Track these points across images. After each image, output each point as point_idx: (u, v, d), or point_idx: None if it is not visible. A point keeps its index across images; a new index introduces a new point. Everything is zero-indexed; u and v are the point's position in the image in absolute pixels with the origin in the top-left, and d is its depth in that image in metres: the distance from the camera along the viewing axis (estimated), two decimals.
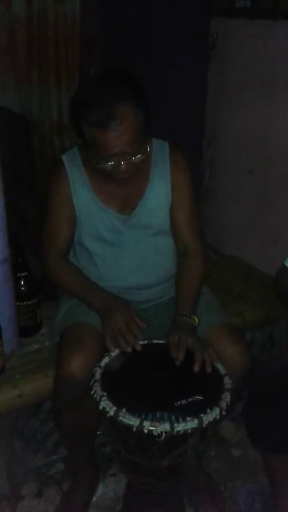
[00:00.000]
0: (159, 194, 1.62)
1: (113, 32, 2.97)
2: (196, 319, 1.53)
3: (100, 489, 1.79)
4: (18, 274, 1.68)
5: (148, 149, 1.56)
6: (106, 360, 1.43)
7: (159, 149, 1.63)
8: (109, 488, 1.81)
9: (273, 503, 1.66)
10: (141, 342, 1.46)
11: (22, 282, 1.70)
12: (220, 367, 1.42)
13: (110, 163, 1.43)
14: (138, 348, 1.43)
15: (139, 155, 1.45)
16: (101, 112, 1.37)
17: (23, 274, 1.69)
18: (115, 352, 1.46)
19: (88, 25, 3.14)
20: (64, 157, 1.62)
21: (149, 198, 1.61)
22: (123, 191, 1.60)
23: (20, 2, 2.88)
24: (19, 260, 1.69)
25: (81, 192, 1.60)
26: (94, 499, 1.75)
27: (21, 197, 2.29)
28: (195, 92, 2.49)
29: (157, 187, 1.61)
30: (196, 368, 1.37)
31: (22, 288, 1.70)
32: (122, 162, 1.43)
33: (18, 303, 1.69)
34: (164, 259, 1.69)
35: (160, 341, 1.50)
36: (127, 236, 1.62)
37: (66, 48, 3.09)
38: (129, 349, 1.42)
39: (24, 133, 2.35)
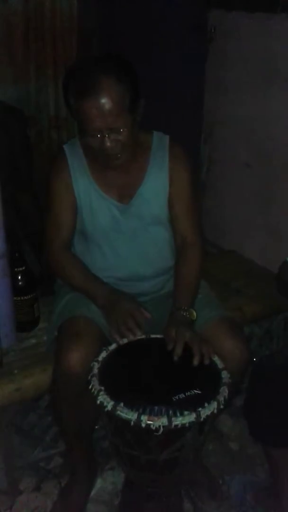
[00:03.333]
0: (156, 185, 1.62)
1: (110, 26, 2.96)
2: (194, 313, 1.53)
3: (98, 483, 1.79)
4: (16, 269, 1.68)
5: (147, 139, 1.60)
6: (103, 354, 1.43)
7: (159, 141, 1.64)
8: (107, 482, 1.81)
9: (272, 497, 1.67)
10: (138, 337, 1.47)
11: (20, 277, 1.69)
12: (217, 361, 1.42)
13: (94, 137, 1.44)
14: (139, 335, 1.45)
15: (124, 132, 1.45)
16: (84, 81, 1.41)
17: (21, 269, 1.69)
18: (112, 347, 1.46)
19: (86, 19, 3.12)
20: (65, 146, 1.65)
21: (146, 188, 1.62)
22: (121, 180, 1.61)
23: None
24: (17, 255, 1.69)
25: (81, 180, 1.61)
26: (92, 493, 1.75)
27: (18, 191, 2.29)
28: (193, 85, 2.48)
29: (155, 178, 1.62)
30: (194, 362, 1.37)
31: (20, 283, 1.70)
32: (105, 137, 1.44)
33: (15, 298, 1.69)
34: (161, 250, 1.69)
35: (158, 336, 1.50)
36: (124, 225, 1.63)
37: (63, 42, 3.07)
38: (131, 337, 1.43)
39: (21, 128, 2.34)
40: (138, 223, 1.63)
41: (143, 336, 1.49)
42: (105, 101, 1.39)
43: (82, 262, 1.65)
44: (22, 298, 1.71)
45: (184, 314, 1.52)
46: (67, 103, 1.48)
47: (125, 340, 1.47)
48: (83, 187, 1.61)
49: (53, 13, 2.98)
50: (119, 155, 1.50)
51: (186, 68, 2.44)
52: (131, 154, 1.54)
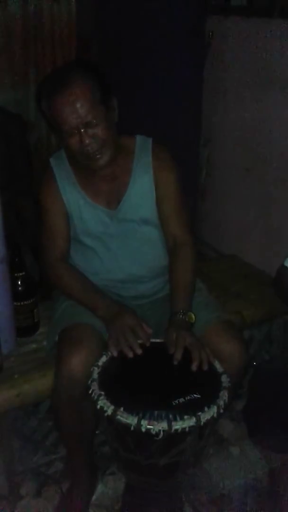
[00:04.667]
0: (142, 188, 1.63)
1: (109, 31, 2.97)
2: (193, 316, 1.54)
3: (99, 488, 1.79)
4: (15, 274, 1.68)
5: (130, 143, 1.64)
6: (103, 359, 1.43)
7: (142, 145, 1.66)
8: (108, 487, 1.81)
9: (272, 501, 1.66)
10: (138, 341, 1.47)
11: (19, 282, 1.69)
12: (217, 365, 1.43)
13: (72, 137, 1.47)
14: (139, 352, 1.43)
15: (100, 126, 1.48)
16: (52, 85, 1.48)
17: (20, 274, 1.69)
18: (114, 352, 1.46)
19: (84, 24, 3.14)
20: (51, 160, 1.68)
21: (132, 193, 1.63)
22: (108, 186, 1.63)
23: (16, 2, 2.88)
24: (16, 260, 1.69)
25: (69, 190, 1.64)
26: (93, 498, 1.75)
27: (18, 196, 2.29)
28: (191, 90, 2.49)
29: (140, 181, 1.63)
30: (194, 367, 1.37)
31: (19, 288, 1.70)
32: (82, 132, 1.46)
33: (15, 303, 1.69)
34: (155, 249, 1.70)
35: (157, 340, 1.50)
36: (115, 230, 1.64)
37: (62, 48, 3.09)
38: (130, 354, 1.42)
39: (21, 133, 2.34)
40: (128, 226, 1.65)
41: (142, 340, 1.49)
42: (74, 96, 1.44)
43: (80, 272, 1.66)
44: (22, 303, 1.71)
45: (183, 317, 1.52)
46: (42, 114, 1.53)
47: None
48: (72, 196, 1.64)
49: (52, 18, 3.00)
50: (99, 155, 1.52)
51: (184, 73, 2.45)
52: (113, 154, 1.55)
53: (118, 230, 1.64)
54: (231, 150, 2.40)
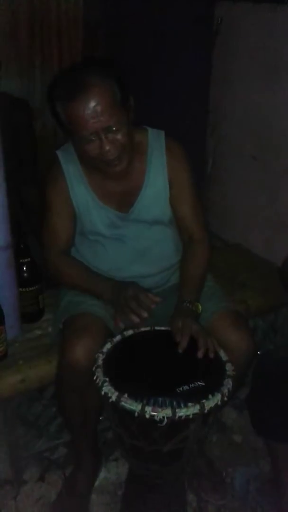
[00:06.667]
0: (156, 189, 1.60)
1: (116, 18, 2.95)
2: (200, 306, 1.53)
3: (102, 474, 1.80)
4: (21, 261, 1.68)
5: (142, 139, 1.56)
6: (108, 346, 1.43)
7: (155, 141, 1.61)
8: (111, 473, 1.82)
9: (275, 490, 1.67)
10: (143, 329, 1.47)
11: (25, 268, 1.70)
12: (222, 353, 1.42)
13: (91, 143, 1.40)
14: (144, 315, 1.39)
15: (121, 131, 1.41)
16: (68, 84, 1.38)
17: (26, 260, 1.70)
18: (117, 338, 1.46)
19: (91, 10, 3.12)
20: (59, 153, 1.60)
21: (146, 194, 1.60)
22: (120, 187, 1.58)
23: None
24: (22, 246, 1.69)
25: (78, 189, 1.58)
26: (96, 483, 1.76)
27: (23, 183, 2.29)
28: (199, 78, 2.46)
29: (154, 182, 1.59)
30: (200, 355, 1.37)
31: (25, 274, 1.70)
32: (103, 139, 1.39)
33: (20, 289, 1.69)
34: (165, 248, 1.69)
35: (162, 328, 1.50)
36: (126, 231, 1.62)
37: (68, 34, 3.07)
38: (136, 320, 1.38)
39: (27, 120, 2.33)
40: (139, 227, 1.62)
41: (148, 328, 1.49)
42: (95, 100, 1.36)
43: (80, 262, 1.64)
44: (27, 289, 1.71)
45: (190, 306, 1.52)
46: (56, 116, 1.44)
47: (129, 332, 1.47)
48: (81, 196, 1.58)
49: (59, 6, 2.98)
50: (117, 161, 1.46)
51: (192, 60, 2.43)
52: (131, 159, 1.51)
53: (129, 231, 1.62)
54: (239, 138, 2.38)
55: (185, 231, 1.67)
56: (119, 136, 1.42)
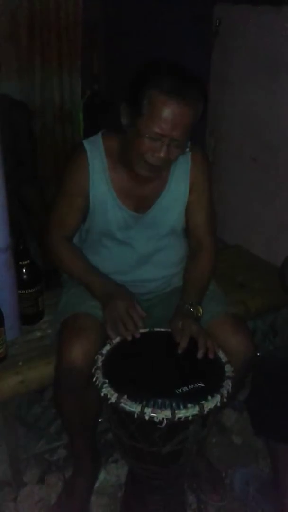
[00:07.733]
0: (176, 194, 1.61)
1: (115, 18, 2.95)
2: (201, 309, 1.54)
3: (102, 476, 1.80)
4: (20, 262, 1.68)
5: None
6: (107, 347, 1.43)
7: None
8: (111, 475, 1.82)
9: (275, 491, 1.67)
10: (142, 330, 1.47)
11: (24, 270, 1.70)
12: (221, 355, 1.42)
13: (152, 141, 1.39)
14: (138, 335, 1.43)
15: (181, 148, 1.44)
16: (175, 81, 1.36)
17: (25, 262, 1.69)
18: (116, 340, 1.46)
19: (91, 11, 3.12)
20: (86, 144, 1.56)
21: (165, 198, 1.60)
22: (141, 190, 1.58)
23: None
24: (21, 248, 1.69)
25: (99, 184, 1.56)
26: (96, 485, 1.76)
27: (23, 184, 2.29)
28: None
29: (175, 188, 1.60)
30: (199, 355, 1.37)
31: (24, 276, 1.70)
32: (165, 145, 1.40)
33: (20, 291, 1.69)
34: (171, 256, 1.69)
35: (162, 329, 1.50)
36: (137, 234, 1.61)
37: (68, 35, 3.07)
38: (129, 337, 1.42)
39: (26, 121, 2.33)
40: (151, 232, 1.62)
41: (147, 330, 1.49)
42: (185, 112, 1.37)
43: (81, 252, 1.65)
44: (26, 291, 1.71)
45: (191, 308, 1.52)
46: (136, 92, 1.39)
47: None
48: (100, 192, 1.56)
49: (58, 6, 2.98)
50: (159, 169, 1.47)
51: (191, 61, 2.42)
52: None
53: (140, 234, 1.62)
54: (238, 139, 2.38)
55: (196, 238, 1.68)
56: (176, 152, 1.44)
